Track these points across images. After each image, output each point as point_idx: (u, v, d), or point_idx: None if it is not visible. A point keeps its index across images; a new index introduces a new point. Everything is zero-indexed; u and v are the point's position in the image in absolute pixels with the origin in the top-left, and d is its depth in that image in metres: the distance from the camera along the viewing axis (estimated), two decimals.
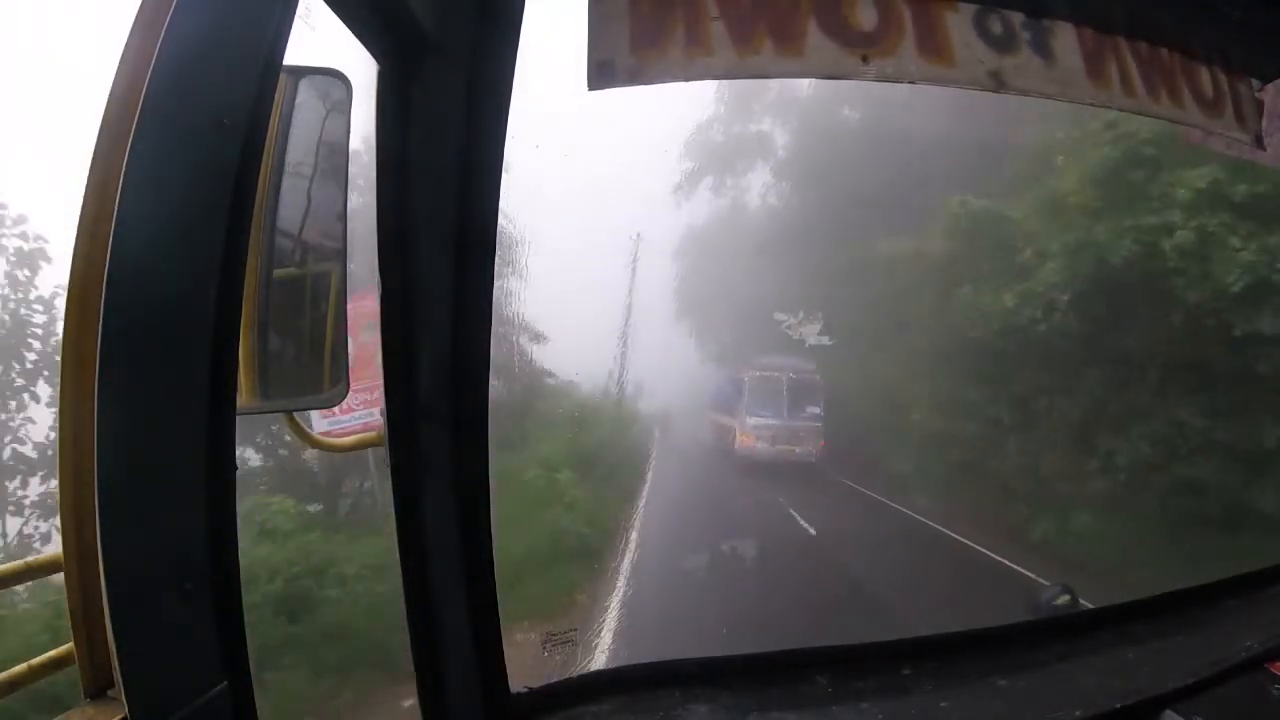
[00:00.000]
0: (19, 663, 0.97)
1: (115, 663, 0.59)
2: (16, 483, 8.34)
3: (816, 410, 15.21)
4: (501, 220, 1.08)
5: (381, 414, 1.06)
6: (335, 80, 0.99)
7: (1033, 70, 1.17)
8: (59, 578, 0.75)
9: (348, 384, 1.03)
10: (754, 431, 15.10)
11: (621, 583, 7.72)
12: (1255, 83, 1.39)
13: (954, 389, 12.01)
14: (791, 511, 11.23)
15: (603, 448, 13.61)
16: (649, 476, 14.60)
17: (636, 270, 20.97)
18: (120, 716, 0.60)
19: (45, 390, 8.50)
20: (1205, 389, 8.31)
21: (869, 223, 15.15)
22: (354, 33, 0.90)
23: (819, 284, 17.06)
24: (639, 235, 21.14)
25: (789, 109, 20.82)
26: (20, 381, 8.59)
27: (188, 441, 0.62)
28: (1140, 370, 9.09)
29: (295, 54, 0.75)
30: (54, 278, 8.57)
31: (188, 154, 0.61)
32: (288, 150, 0.93)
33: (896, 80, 1.13)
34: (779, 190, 22.30)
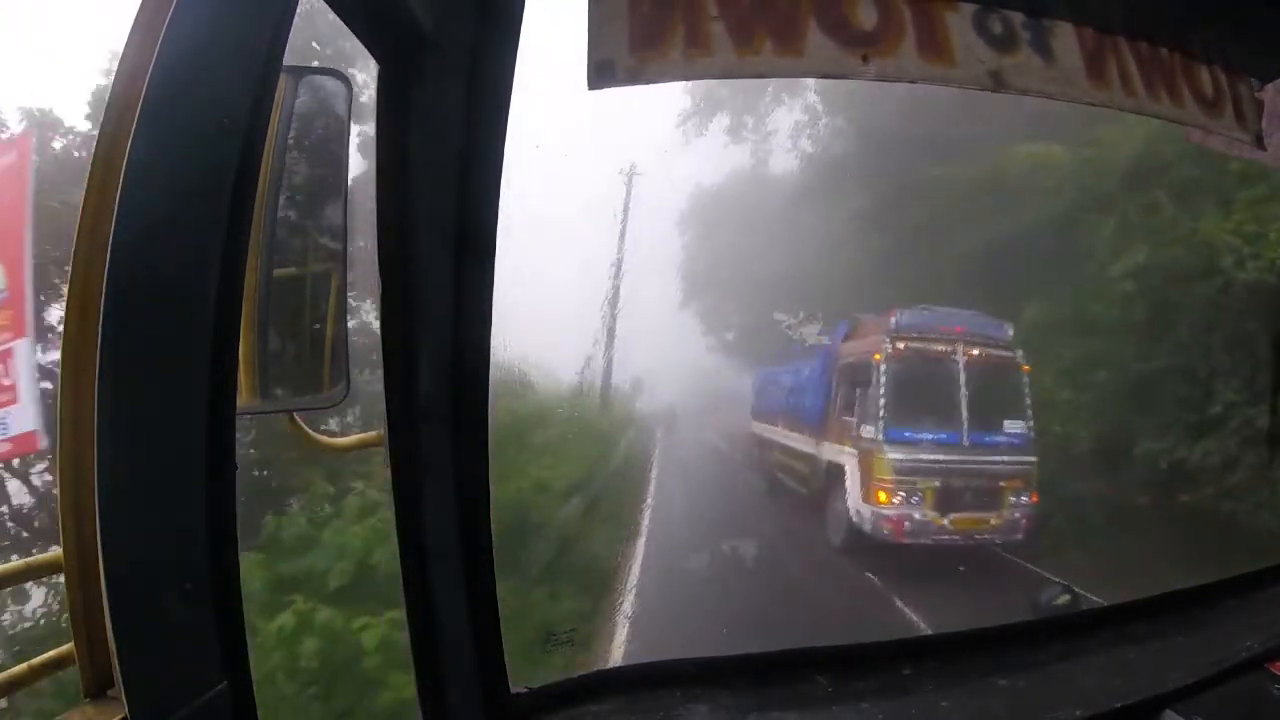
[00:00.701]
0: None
1: (115, 663, 0.59)
2: None
3: (1020, 428, 7.40)
4: None
5: (381, 414, 1.06)
6: (335, 80, 0.99)
7: (1033, 70, 1.17)
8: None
9: (348, 384, 1.03)
10: (899, 477, 7.04)
11: None
12: (1255, 83, 1.39)
13: (1148, 378, 6.94)
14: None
15: (550, 494, 7.21)
16: (640, 542, 7.63)
17: (629, 220, 13.84)
18: (120, 716, 0.60)
19: None
20: None
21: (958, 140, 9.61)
22: (354, 33, 0.90)
23: (879, 240, 11.61)
24: (632, 169, 14.65)
25: None
26: None
27: (188, 441, 0.62)
28: None
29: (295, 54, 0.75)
30: None
31: (188, 154, 0.61)
32: (288, 150, 0.93)
33: (897, 80, 1.14)
34: (816, 132, 16.55)
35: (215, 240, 0.62)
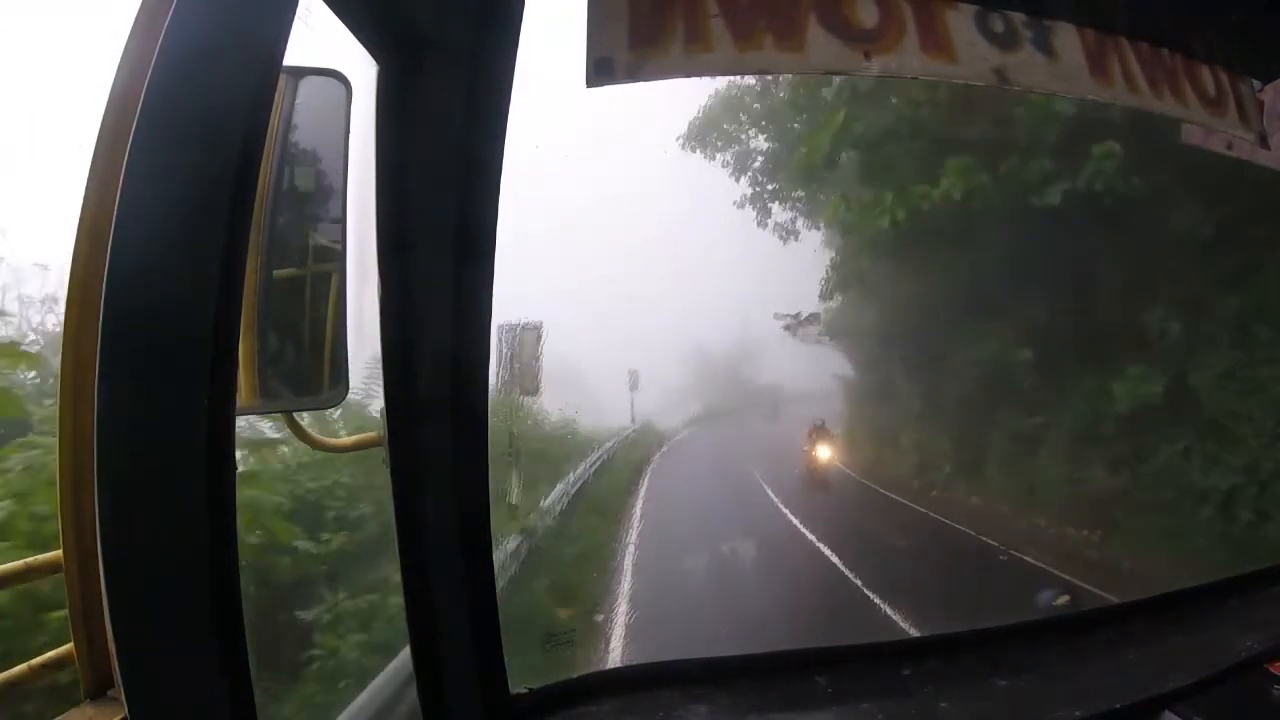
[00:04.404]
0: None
1: (115, 663, 0.59)
2: None
3: None
4: None
5: (381, 414, 1.06)
6: (335, 80, 0.99)
7: (1036, 67, 1.17)
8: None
9: (347, 384, 1.03)
10: None
11: None
12: (1255, 83, 1.39)
13: None
14: None
15: None
16: None
17: None
18: (120, 716, 0.60)
19: None
20: None
21: None
22: (354, 33, 0.90)
23: None
24: None
25: None
26: None
27: (188, 441, 0.62)
28: None
29: (295, 54, 0.75)
30: None
31: (188, 154, 0.61)
32: (288, 150, 0.93)
33: (900, 75, 1.14)
34: None
35: (215, 240, 0.62)
